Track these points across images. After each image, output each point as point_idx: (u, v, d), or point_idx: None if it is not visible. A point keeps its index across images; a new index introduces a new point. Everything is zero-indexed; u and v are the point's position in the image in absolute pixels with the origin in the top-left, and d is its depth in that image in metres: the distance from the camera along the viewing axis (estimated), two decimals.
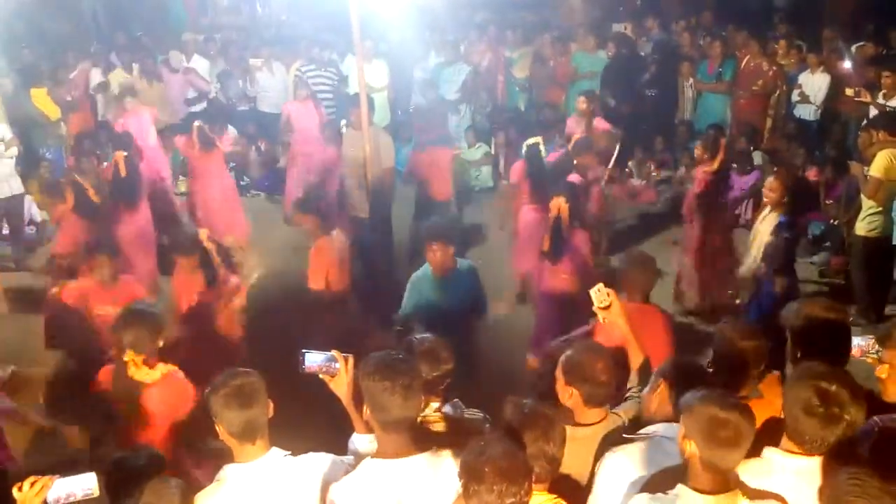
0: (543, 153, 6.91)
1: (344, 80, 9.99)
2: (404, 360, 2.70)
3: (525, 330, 6.06)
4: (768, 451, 2.52)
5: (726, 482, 2.36)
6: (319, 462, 2.81)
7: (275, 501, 2.69)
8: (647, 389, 3.05)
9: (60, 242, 6.27)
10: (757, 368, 3.10)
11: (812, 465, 2.45)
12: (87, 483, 2.60)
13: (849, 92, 8.25)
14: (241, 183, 9.93)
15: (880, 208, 6.26)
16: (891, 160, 6.12)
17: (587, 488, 2.80)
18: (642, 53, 10.40)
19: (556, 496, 2.55)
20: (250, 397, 2.66)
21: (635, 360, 3.47)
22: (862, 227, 6.40)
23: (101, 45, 11.19)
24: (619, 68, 9.84)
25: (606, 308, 3.54)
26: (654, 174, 9.53)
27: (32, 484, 2.56)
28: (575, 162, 6.75)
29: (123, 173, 6.93)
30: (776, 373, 3.22)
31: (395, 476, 2.60)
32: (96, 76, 10.27)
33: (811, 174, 8.24)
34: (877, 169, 6.17)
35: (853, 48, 9.34)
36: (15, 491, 2.56)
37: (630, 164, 9.69)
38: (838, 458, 2.39)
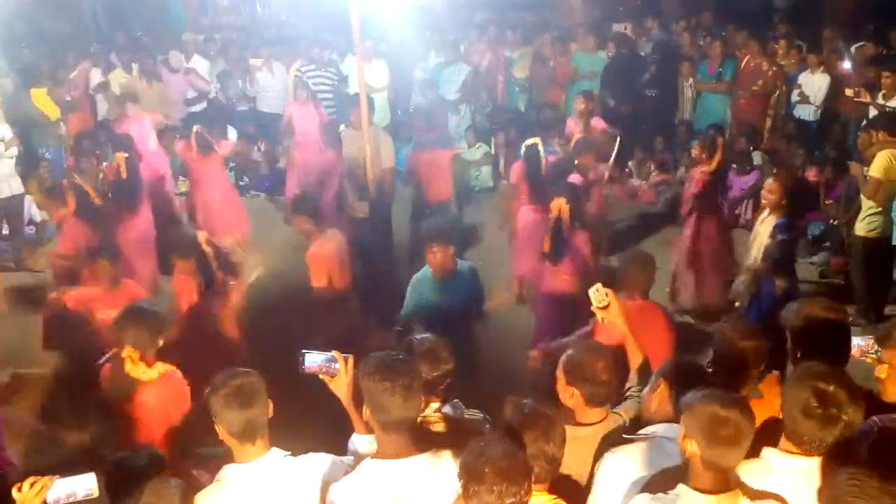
0: (542, 154, 6.91)
1: (344, 80, 9.98)
2: (404, 361, 2.70)
3: (525, 330, 6.06)
4: (767, 452, 2.52)
5: (727, 482, 2.36)
6: (319, 462, 2.81)
7: (275, 501, 2.69)
8: (646, 389, 3.05)
9: (62, 244, 6.29)
10: (757, 368, 3.10)
11: (811, 466, 2.45)
12: (87, 483, 2.60)
13: (848, 92, 8.25)
14: (241, 183, 9.94)
15: (880, 208, 6.26)
16: (890, 160, 6.12)
17: (587, 488, 2.80)
18: (642, 53, 10.40)
19: (556, 496, 2.55)
20: (250, 397, 2.66)
21: (634, 360, 3.47)
22: (862, 228, 6.40)
23: (101, 45, 11.19)
24: (619, 68, 9.84)
25: (605, 308, 3.54)
26: (653, 174, 9.53)
27: (32, 484, 2.56)
28: (576, 162, 6.75)
29: (124, 175, 6.94)
30: (776, 373, 3.22)
31: (395, 477, 2.60)
32: (96, 76, 10.28)
33: (811, 174, 8.24)
34: (876, 169, 6.17)
35: (853, 48, 9.33)
36: (14, 491, 2.55)
37: (630, 164, 9.69)
38: (837, 458, 2.39)
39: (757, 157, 8.60)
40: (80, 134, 8.87)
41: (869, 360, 3.11)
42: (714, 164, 6.65)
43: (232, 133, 9.44)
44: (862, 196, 6.40)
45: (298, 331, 5.37)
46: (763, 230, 5.64)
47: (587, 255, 5.82)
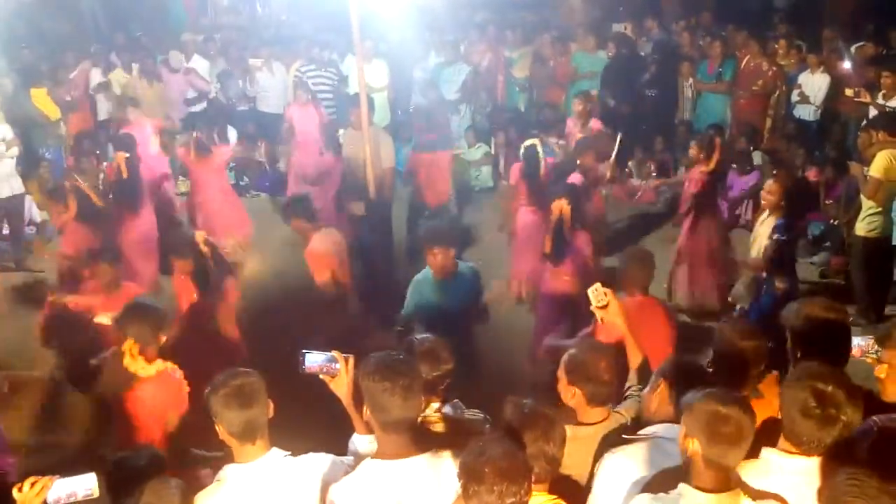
0: (541, 155, 6.91)
1: (344, 80, 9.98)
2: (404, 361, 2.70)
3: (525, 330, 6.07)
4: (766, 452, 2.52)
5: (728, 481, 2.36)
6: (319, 462, 2.81)
7: (275, 502, 2.69)
8: (647, 389, 3.05)
9: (65, 245, 6.33)
10: (757, 368, 3.10)
11: (810, 466, 2.45)
12: (87, 483, 2.60)
13: (848, 92, 8.25)
14: (241, 183, 9.94)
15: (880, 208, 6.26)
16: (890, 160, 6.12)
17: (588, 488, 2.80)
18: (642, 53, 10.40)
19: (555, 497, 2.55)
20: (250, 397, 2.66)
21: (634, 360, 3.47)
22: (862, 228, 6.40)
23: (101, 45, 11.18)
24: (619, 68, 9.84)
25: (604, 307, 3.55)
26: (651, 177, 9.53)
27: (33, 484, 2.56)
28: (578, 162, 6.76)
29: (125, 175, 6.94)
30: (775, 373, 3.22)
31: (395, 477, 2.60)
32: (96, 76, 10.28)
33: (811, 174, 8.24)
34: (876, 169, 6.17)
35: (853, 48, 9.33)
36: (15, 491, 2.55)
37: (630, 164, 9.70)
38: (837, 458, 2.39)
39: (757, 157, 8.60)
40: (80, 134, 8.86)
41: (869, 360, 3.11)
42: (712, 164, 6.64)
43: (232, 133, 9.43)
44: (862, 196, 6.40)
45: (298, 331, 5.38)
46: (763, 231, 5.65)
47: (588, 255, 5.82)
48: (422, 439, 2.72)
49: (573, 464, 2.81)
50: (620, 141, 7.37)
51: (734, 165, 8.43)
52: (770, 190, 5.60)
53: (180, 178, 9.30)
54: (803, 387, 2.43)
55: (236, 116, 10.15)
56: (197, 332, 5.01)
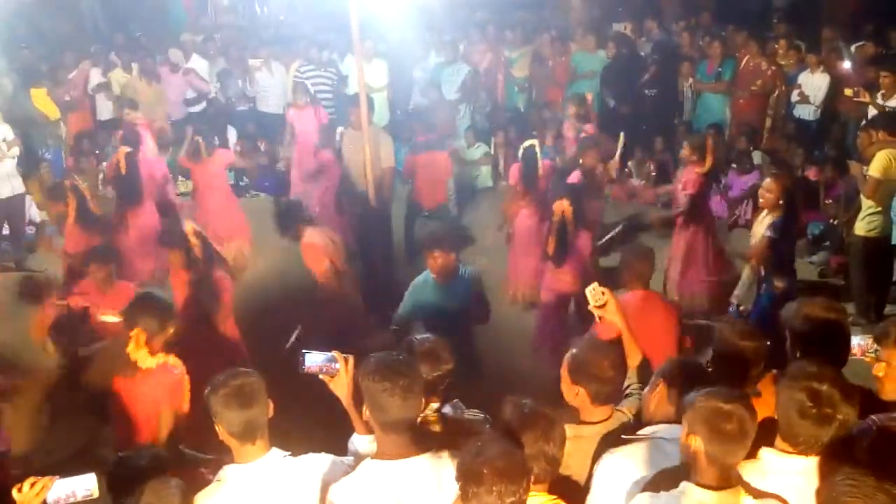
0: (539, 156, 6.91)
1: (343, 80, 9.98)
2: (404, 361, 2.70)
3: (525, 330, 6.07)
4: (764, 452, 2.53)
5: (730, 478, 2.37)
6: (319, 462, 2.81)
7: (275, 502, 2.69)
8: (647, 389, 3.05)
9: (67, 244, 6.36)
10: (757, 368, 3.11)
11: (808, 465, 2.45)
12: (87, 483, 2.60)
13: (848, 92, 8.24)
14: (241, 183, 9.93)
15: (879, 208, 6.25)
16: (890, 160, 6.12)
17: (588, 488, 2.80)
18: (642, 53, 10.40)
19: (555, 497, 2.55)
20: (250, 397, 2.66)
21: (633, 359, 3.47)
22: (861, 227, 6.39)
23: (101, 45, 11.18)
24: (619, 68, 9.83)
25: (602, 307, 3.55)
26: (652, 175, 9.52)
27: (32, 485, 2.56)
28: (580, 161, 6.75)
29: (124, 170, 6.95)
30: (773, 372, 3.22)
31: (395, 477, 2.60)
32: (96, 76, 10.28)
33: (811, 174, 8.24)
34: (876, 169, 6.16)
35: (853, 48, 9.33)
36: (15, 491, 2.56)
37: (630, 164, 9.69)
38: (835, 457, 2.39)
39: (757, 157, 8.60)
40: (79, 134, 8.88)
41: (868, 359, 3.11)
42: (707, 165, 6.61)
43: (232, 133, 9.43)
44: (861, 196, 6.40)
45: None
46: (760, 230, 5.64)
47: (589, 256, 5.83)
48: (422, 439, 2.72)
49: (577, 462, 2.81)
50: (624, 143, 7.36)
51: (734, 165, 8.42)
52: (768, 188, 5.59)
53: (180, 178, 9.29)
54: (799, 387, 2.44)
55: (236, 116, 10.15)
56: (193, 328, 5.00)
